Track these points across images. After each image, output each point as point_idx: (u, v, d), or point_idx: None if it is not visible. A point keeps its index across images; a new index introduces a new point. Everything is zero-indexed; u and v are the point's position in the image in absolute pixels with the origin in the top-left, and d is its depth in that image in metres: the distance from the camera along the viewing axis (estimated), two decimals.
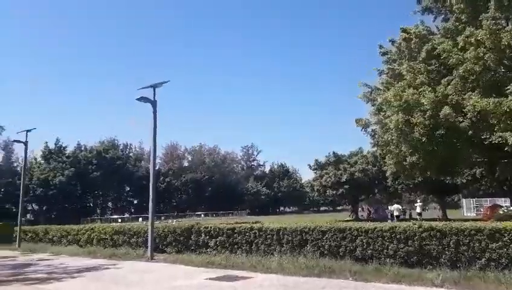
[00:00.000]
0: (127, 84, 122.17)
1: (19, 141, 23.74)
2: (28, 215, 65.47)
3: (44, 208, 68.18)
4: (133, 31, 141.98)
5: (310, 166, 46.35)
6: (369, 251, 10.02)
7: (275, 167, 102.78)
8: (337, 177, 40.27)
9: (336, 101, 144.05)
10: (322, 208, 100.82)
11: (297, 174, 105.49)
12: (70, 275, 11.27)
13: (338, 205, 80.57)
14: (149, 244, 14.20)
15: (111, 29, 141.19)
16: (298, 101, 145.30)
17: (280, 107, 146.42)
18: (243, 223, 15.20)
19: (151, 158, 15.85)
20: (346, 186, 40.06)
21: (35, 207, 69.44)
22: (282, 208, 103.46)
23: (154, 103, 14.86)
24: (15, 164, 68.51)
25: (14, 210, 49.66)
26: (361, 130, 21.11)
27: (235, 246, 12.84)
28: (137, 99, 14.58)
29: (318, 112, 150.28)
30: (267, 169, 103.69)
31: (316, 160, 44.83)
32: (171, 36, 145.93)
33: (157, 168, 78.68)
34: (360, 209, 48.64)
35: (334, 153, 43.49)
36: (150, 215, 14.82)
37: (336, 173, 40.68)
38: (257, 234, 12.42)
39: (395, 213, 31.36)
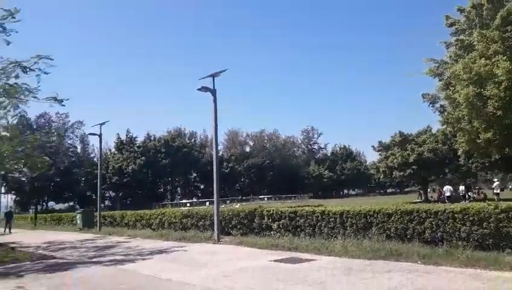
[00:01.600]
0: (191, 74, 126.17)
1: (94, 134, 25.65)
2: (106, 202, 71.01)
3: (120, 195, 73.45)
4: (191, 22, 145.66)
5: (374, 147, 44.91)
6: (439, 234, 9.55)
7: (338, 149, 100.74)
8: (404, 158, 38.53)
9: (399, 79, 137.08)
10: (388, 190, 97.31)
11: (362, 156, 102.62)
12: (143, 257, 12.10)
13: (406, 186, 77.37)
14: (215, 227, 14.73)
15: (172, 21, 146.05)
16: (360, 80, 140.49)
17: (340, 87, 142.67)
18: (305, 206, 15.19)
19: (214, 145, 16.29)
20: (414, 167, 38.22)
21: (112, 194, 74.99)
22: (346, 191, 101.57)
23: (213, 92, 15.19)
24: (92, 155, 74.17)
25: (94, 197, 54.14)
26: (429, 105, 19.99)
27: (298, 229, 12.90)
28: (198, 89, 14.99)
29: (380, 91, 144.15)
30: (329, 152, 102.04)
31: (380, 141, 43.28)
32: (229, 23, 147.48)
33: (220, 154, 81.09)
34: (429, 190, 46.31)
35: (399, 132, 41.62)
36: (214, 200, 15.33)
37: (402, 153, 38.94)
38: (320, 217, 12.36)
39: (447, 194, 29.91)
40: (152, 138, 79.41)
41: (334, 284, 7.15)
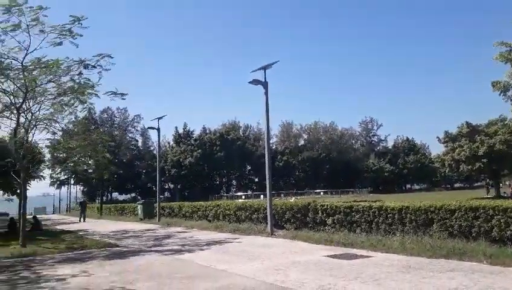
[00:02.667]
0: (246, 67, 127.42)
1: (152, 128, 26.74)
2: (166, 193, 74.11)
3: (178, 187, 76.29)
4: (244, 14, 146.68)
5: (439, 139, 42.31)
6: (509, 232, 8.80)
7: (399, 141, 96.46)
8: (472, 151, 35.86)
9: (466, 65, 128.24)
10: (455, 185, 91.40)
11: (426, 149, 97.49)
12: (199, 247, 12.43)
13: (475, 181, 72.28)
14: (268, 220, 14.76)
15: (225, 13, 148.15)
16: (422, 68, 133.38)
17: (401, 76, 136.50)
18: (362, 201, 14.75)
19: (266, 138, 16.30)
20: (484, 160, 35.50)
21: (171, 186, 78.02)
22: (408, 186, 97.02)
23: (265, 84, 15.13)
24: (152, 148, 77.65)
25: (154, 189, 56.66)
26: (500, 94, 18.41)
27: (354, 225, 12.54)
28: (250, 82, 15.01)
29: (444, 78, 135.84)
30: (390, 144, 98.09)
31: (446, 132, 40.61)
32: (283, 14, 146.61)
33: (273, 147, 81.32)
34: (501, 185, 42.92)
35: (467, 123, 38.76)
36: (267, 193, 15.35)
37: (470, 145, 36.29)
38: (377, 212, 11.92)
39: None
40: (208, 131, 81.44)
41: (390, 281, 6.84)
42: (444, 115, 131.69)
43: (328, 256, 9.66)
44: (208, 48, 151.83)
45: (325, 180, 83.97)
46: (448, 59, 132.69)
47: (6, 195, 26.13)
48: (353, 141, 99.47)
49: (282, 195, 59.25)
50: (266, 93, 15.28)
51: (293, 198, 40.93)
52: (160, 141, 28.27)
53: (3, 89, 14.25)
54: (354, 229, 12.40)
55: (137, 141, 78.86)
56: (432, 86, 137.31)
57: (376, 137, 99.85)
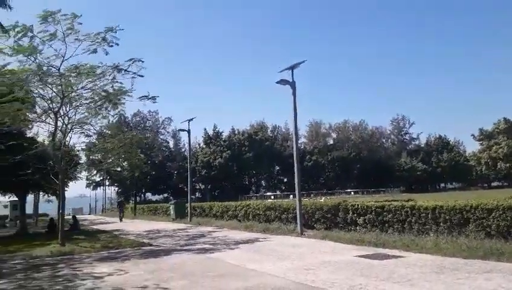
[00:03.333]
0: (272, 68, 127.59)
1: (183, 130, 27.26)
2: (197, 194, 75.21)
3: (208, 187, 77.25)
4: (272, 14, 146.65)
5: (474, 136, 41.02)
6: None
7: (432, 139, 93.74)
8: (511, 148, 34.45)
9: (500, 63, 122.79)
10: (493, 184, 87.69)
11: (460, 146, 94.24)
12: (230, 247, 12.57)
13: None
14: (298, 220, 14.73)
15: (254, 12, 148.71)
16: (454, 65, 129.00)
17: (432, 73, 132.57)
18: (394, 201, 14.48)
19: (294, 138, 16.26)
20: None
21: (202, 186, 79.09)
22: (442, 185, 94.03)
23: (292, 84, 15.10)
24: (183, 149, 79.01)
25: (185, 189, 57.66)
26: None
27: (386, 225, 12.33)
28: (277, 82, 15.02)
29: (477, 75, 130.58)
30: (422, 142, 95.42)
31: (481, 129, 39.25)
32: (310, 14, 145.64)
33: (302, 147, 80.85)
34: None
35: (505, 119, 37.27)
36: (296, 193, 15.33)
37: (509, 142, 34.86)
38: (409, 212, 11.68)
39: None
40: (236, 132, 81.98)
41: (424, 282, 6.70)
42: (477, 112, 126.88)
43: (359, 256, 9.55)
44: (235, 49, 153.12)
45: (355, 180, 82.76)
46: (481, 56, 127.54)
47: (46, 196, 27.35)
48: (384, 140, 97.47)
49: (311, 195, 58.83)
50: (294, 93, 15.26)
51: (323, 198, 40.56)
52: (191, 142, 28.75)
53: (42, 95, 14.96)
54: (386, 229, 12.19)
55: (168, 142, 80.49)
56: (464, 82, 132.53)
57: (408, 135, 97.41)
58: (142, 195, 74.93)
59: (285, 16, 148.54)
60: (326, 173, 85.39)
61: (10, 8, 12.90)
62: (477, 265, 7.83)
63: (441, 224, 10.72)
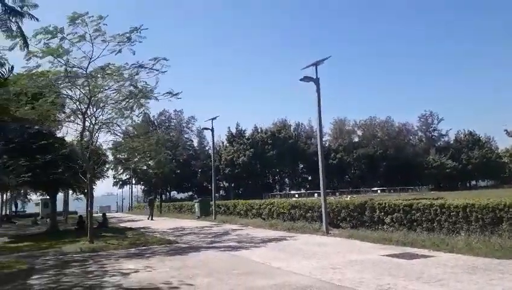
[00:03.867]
0: (294, 66, 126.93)
1: (206, 128, 27.45)
2: (221, 192, 75.77)
3: (232, 185, 77.69)
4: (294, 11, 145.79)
5: (507, 132, 39.53)
6: None
7: (462, 135, 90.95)
8: None
9: None
10: None
11: (492, 142, 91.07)
12: (255, 244, 12.55)
13: None
14: (323, 219, 14.56)
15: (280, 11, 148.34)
16: (483, 60, 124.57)
17: (461, 67, 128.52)
18: (422, 199, 14.11)
19: (318, 136, 16.08)
20: None
21: (225, 184, 79.61)
22: (473, 182, 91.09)
23: (316, 81, 14.90)
24: (207, 148, 79.75)
25: (209, 187, 58.17)
26: None
27: (414, 224, 12.03)
28: (301, 79, 14.85)
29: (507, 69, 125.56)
30: (451, 139, 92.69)
31: None
32: (333, 10, 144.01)
33: (326, 145, 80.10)
34: None
35: None
36: (321, 191, 15.15)
37: None
38: (439, 211, 11.34)
39: None
40: (259, 130, 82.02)
41: (455, 283, 6.47)
42: (509, 108, 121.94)
43: (386, 255, 9.34)
44: (258, 47, 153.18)
45: (382, 178, 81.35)
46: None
47: (75, 194, 28.14)
48: (411, 137, 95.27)
49: (337, 193, 58.16)
50: (318, 90, 15.06)
51: (349, 197, 40.04)
52: (215, 140, 28.92)
53: (71, 96, 15.37)
54: (414, 228, 11.89)
55: (192, 141, 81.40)
56: (496, 78, 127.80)
57: (436, 132, 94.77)
58: (168, 193, 76.08)
59: (308, 13, 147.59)
60: (351, 171, 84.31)
61: (37, 19, 13.23)
62: (511, 265, 7.51)
63: (473, 223, 10.35)
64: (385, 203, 13.35)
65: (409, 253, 9.47)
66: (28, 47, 13.55)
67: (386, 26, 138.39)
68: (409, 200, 13.56)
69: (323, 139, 68.65)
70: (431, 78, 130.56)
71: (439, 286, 6.33)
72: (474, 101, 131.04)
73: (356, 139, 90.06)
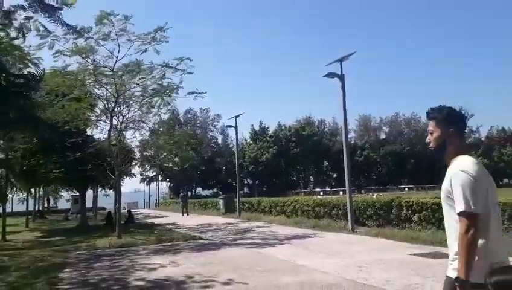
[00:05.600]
0: (318, 62, 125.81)
1: (230, 126, 27.55)
2: (245, 189, 76.10)
3: (256, 182, 77.86)
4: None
5: None
6: None
7: (494, 132, 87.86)
8: None
9: None
10: None
11: None
12: (279, 242, 12.54)
13: None
14: (349, 217, 14.39)
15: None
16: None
17: (489, 60, 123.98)
18: None
19: (343, 132, 15.89)
20: None
21: (250, 181, 79.90)
22: (506, 180, 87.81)
23: (341, 77, 14.69)
24: (231, 145, 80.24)
25: (234, 184, 58.53)
26: None
27: (443, 222, 11.59)
28: (325, 76, 14.69)
29: None
30: (482, 135, 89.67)
31: None
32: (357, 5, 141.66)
33: (351, 142, 79.01)
34: None
35: None
36: (346, 189, 14.98)
37: None
38: None
39: None
40: (283, 128, 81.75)
41: None
42: None
43: (414, 254, 9.14)
44: (281, 43, 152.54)
45: (409, 176, 79.60)
46: None
47: (104, 191, 28.90)
48: None
49: (362, 191, 57.34)
50: (343, 87, 14.85)
51: (375, 194, 39.38)
52: (238, 138, 29.02)
53: (99, 95, 15.77)
54: (443, 227, 11.52)
55: (217, 138, 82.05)
56: None
57: (467, 128, 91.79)
58: (193, 190, 77.06)
59: (333, 8, 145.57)
60: (378, 168, 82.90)
61: (74, 29, 13.20)
62: None
63: (505, 222, 9.98)
64: (412, 201, 13.07)
65: (438, 252, 9.21)
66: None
67: (413, 19, 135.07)
68: (438, 198, 13.21)
69: (349, 136, 67.81)
70: (461, 73, 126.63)
71: None
72: (506, 96, 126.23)
73: (383, 136, 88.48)
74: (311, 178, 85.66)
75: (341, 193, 49.70)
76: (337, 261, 8.69)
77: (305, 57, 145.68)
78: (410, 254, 9.19)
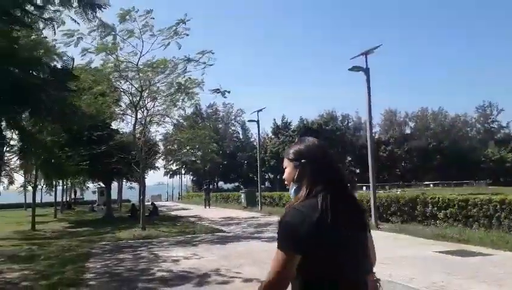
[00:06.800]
0: (341, 56, 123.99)
1: (252, 120, 27.58)
2: (266, 183, 76.17)
3: (278, 177, 77.73)
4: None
5: None
6: None
7: None
8: None
9: None
10: None
11: None
12: None
13: None
14: (372, 213, 14.18)
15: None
16: None
17: None
18: (479, 194, 13.34)
19: (368, 128, 15.61)
20: None
21: (271, 176, 79.89)
22: None
23: (366, 71, 14.42)
24: (252, 140, 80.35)
25: (255, 179, 58.66)
26: None
27: (470, 220, 11.40)
28: (350, 69, 14.43)
29: None
30: None
31: None
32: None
33: (376, 137, 77.70)
34: None
35: None
36: (370, 185, 14.74)
37: None
38: (498, 206, 10.68)
39: None
40: (305, 122, 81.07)
41: None
42: None
43: (439, 252, 8.93)
44: (304, 37, 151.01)
45: (435, 172, 77.65)
46: None
47: (128, 183, 29.49)
48: (468, 129, 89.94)
49: (386, 187, 56.37)
50: (368, 80, 14.58)
51: (399, 190, 38.66)
52: (260, 132, 29.02)
53: (124, 90, 16.06)
54: (470, 225, 11.27)
55: (239, 133, 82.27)
56: None
57: (496, 123, 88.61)
58: (215, 184, 77.66)
59: (358, 1, 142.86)
60: (402, 164, 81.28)
61: (107, 26, 13.11)
62: None
63: None
64: (438, 197, 12.78)
65: (464, 250, 8.98)
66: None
67: (444, 8, 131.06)
68: (465, 195, 12.89)
69: (373, 131, 66.70)
70: (490, 66, 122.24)
71: (497, 286, 5.95)
72: None
73: (408, 131, 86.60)
74: None
75: (364, 188, 49.03)
76: None
77: (328, 51, 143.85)
78: (436, 252, 8.98)
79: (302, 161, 1.72)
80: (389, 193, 18.32)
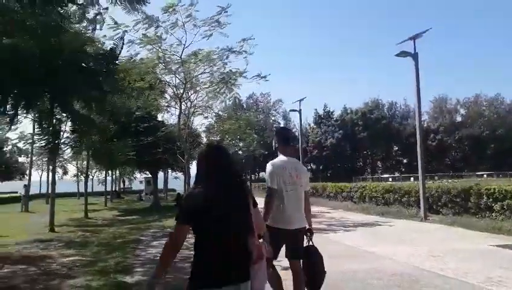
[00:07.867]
0: (387, 41, 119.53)
1: (294, 110, 27.33)
2: (309, 174, 75.58)
3: (320, 167, 76.90)
4: None
5: None
6: None
7: None
8: None
9: None
10: None
11: None
12: (346, 228, 12.26)
13: None
14: (421, 204, 13.65)
15: None
16: None
17: None
18: None
19: (417, 115, 14.96)
20: None
21: (313, 166, 79.09)
22: None
23: (415, 56, 13.77)
24: (293, 130, 79.77)
25: None
26: None
27: None
28: (396, 55, 13.86)
29: None
30: None
31: None
32: None
33: (424, 125, 74.56)
34: None
35: None
36: (419, 175, 14.18)
37: None
38: None
39: None
40: (349, 111, 79.26)
41: None
42: None
43: (496, 245, 8.42)
44: (348, 23, 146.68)
45: (489, 161, 73.43)
46: None
47: (174, 173, 30.31)
48: None
49: (435, 177, 54.09)
50: (416, 66, 13.95)
51: (449, 181, 36.96)
52: (302, 122, 28.71)
53: (169, 82, 16.39)
54: None
55: (279, 123, 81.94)
56: None
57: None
58: (257, 173, 78.11)
59: None
60: (452, 153, 77.60)
61: (151, 18, 13.37)
62: None
63: None
64: (494, 188, 12.02)
65: None
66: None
67: None
68: None
69: (422, 119, 64.01)
70: None
71: None
72: None
73: (459, 119, 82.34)
74: (379, 163, 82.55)
75: (412, 179, 47.32)
76: (408, 250, 8.26)
77: (373, 36, 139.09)
78: (492, 245, 8.48)
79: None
80: (440, 184, 17.49)
